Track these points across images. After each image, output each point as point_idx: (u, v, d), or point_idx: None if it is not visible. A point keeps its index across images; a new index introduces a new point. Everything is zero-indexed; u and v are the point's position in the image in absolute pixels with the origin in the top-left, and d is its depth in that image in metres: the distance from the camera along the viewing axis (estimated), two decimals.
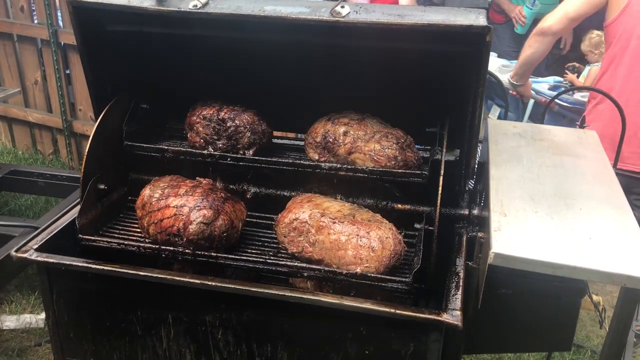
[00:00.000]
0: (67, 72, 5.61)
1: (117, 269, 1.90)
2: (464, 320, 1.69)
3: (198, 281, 1.84)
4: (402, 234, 2.02)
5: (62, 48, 5.46)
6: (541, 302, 2.07)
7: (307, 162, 2.20)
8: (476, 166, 2.36)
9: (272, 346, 1.91)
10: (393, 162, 2.07)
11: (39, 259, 1.95)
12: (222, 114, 2.26)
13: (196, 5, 1.90)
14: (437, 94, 2.17)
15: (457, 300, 1.75)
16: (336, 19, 1.80)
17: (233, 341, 1.94)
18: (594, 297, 2.07)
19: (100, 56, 2.21)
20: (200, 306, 1.92)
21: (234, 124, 2.23)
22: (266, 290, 1.81)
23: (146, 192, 2.17)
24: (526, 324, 2.15)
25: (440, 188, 1.92)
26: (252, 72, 2.31)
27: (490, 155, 2.21)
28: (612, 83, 3.57)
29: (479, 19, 1.76)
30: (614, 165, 2.57)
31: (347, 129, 2.14)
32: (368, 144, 2.10)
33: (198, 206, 2.00)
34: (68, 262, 1.93)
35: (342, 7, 1.81)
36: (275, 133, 2.41)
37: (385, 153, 2.08)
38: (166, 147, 2.30)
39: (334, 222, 1.94)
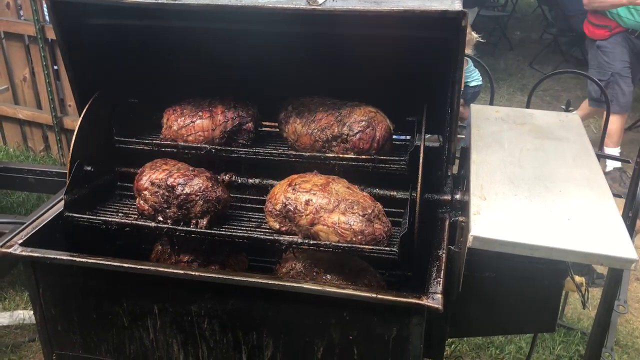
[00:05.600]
0: (55, 67, 5.59)
1: (101, 262, 1.91)
2: (445, 304, 1.71)
3: (182, 272, 1.86)
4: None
5: (50, 44, 5.44)
6: (524, 284, 2.08)
7: (264, 236, 2.05)
8: (459, 151, 2.37)
9: (258, 334, 1.92)
10: (360, 237, 1.89)
11: (23, 253, 1.96)
12: (172, 180, 2.09)
13: None
14: (417, 80, 2.18)
15: (438, 284, 1.77)
16: (313, 7, 1.80)
17: (219, 330, 1.95)
18: (577, 278, 2.09)
19: (80, 51, 2.20)
20: (185, 296, 1.93)
21: (184, 192, 2.06)
22: (249, 279, 1.82)
23: (158, 247, 2.38)
24: (510, 307, 2.17)
25: (420, 176, 1.93)
26: (231, 62, 2.31)
27: (472, 140, 2.22)
28: None
29: (454, 3, 1.76)
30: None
31: (310, 196, 1.96)
32: (332, 215, 1.92)
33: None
34: (52, 256, 1.94)
35: None
36: None
37: (350, 227, 1.89)
38: (110, 219, 2.17)
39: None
